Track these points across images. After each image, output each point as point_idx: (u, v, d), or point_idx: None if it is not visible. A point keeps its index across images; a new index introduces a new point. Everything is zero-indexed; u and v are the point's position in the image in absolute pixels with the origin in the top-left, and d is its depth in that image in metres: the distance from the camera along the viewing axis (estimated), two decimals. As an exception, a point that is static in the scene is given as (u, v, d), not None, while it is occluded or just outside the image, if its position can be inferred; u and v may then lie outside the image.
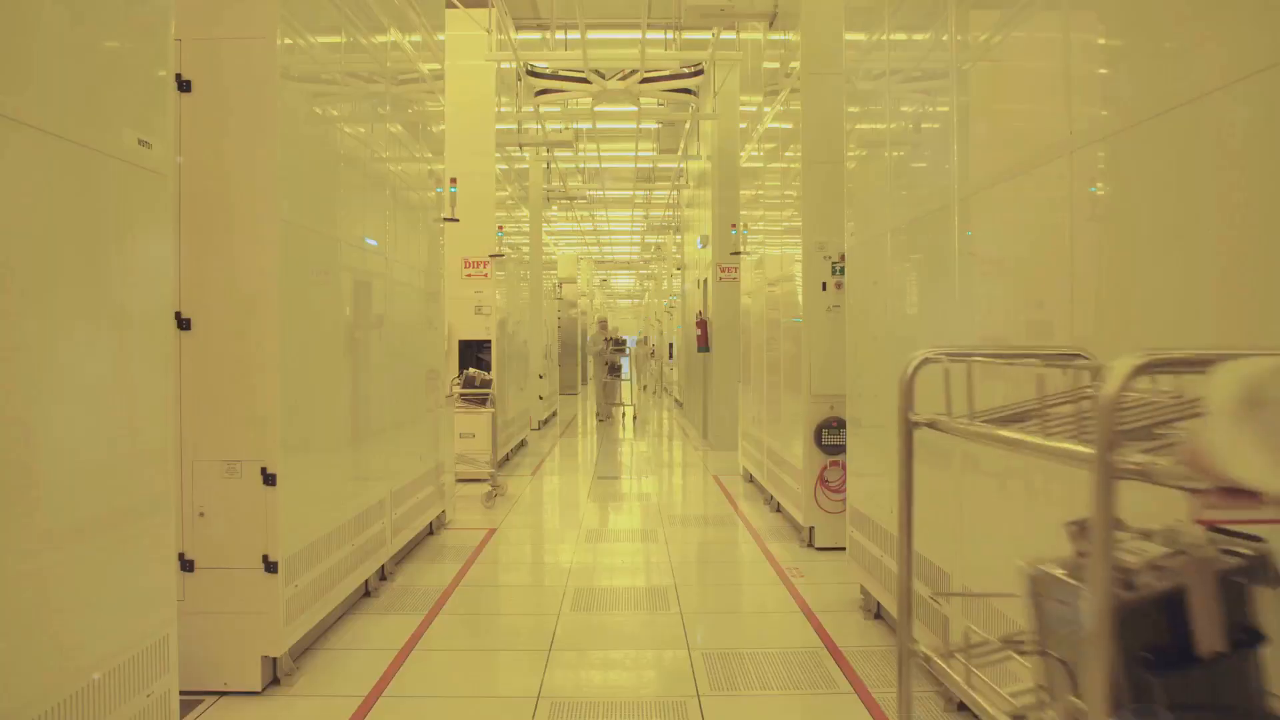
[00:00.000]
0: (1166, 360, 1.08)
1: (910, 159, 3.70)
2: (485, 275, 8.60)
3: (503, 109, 9.59)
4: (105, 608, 2.24)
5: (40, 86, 1.97)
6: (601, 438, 13.06)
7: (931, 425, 1.66)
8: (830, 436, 5.53)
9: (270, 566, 3.27)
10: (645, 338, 30.77)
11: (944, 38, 3.17)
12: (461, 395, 7.40)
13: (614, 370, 15.28)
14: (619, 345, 15.24)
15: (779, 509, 6.72)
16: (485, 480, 7.65)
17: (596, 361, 15.40)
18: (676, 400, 17.33)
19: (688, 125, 12.51)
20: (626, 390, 17.52)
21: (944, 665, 1.70)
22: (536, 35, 10.37)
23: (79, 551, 2.12)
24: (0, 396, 1.86)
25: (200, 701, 3.20)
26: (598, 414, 15.24)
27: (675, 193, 16.33)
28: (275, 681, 3.40)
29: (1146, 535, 1.25)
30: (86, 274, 2.18)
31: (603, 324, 16.18)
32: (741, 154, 8.46)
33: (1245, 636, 1.19)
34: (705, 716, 3.18)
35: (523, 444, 10.95)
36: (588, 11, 7.98)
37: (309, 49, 3.65)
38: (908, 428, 1.73)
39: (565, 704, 3.28)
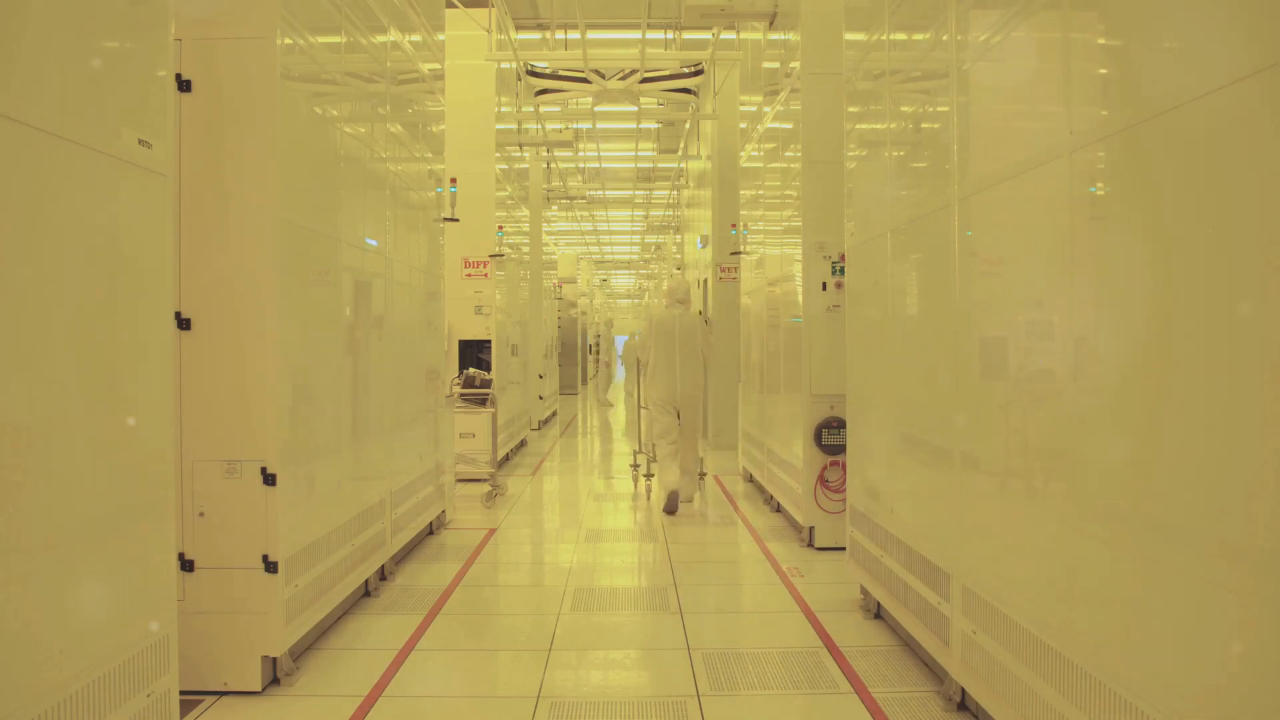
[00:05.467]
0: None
1: (910, 159, 3.70)
2: (485, 275, 8.59)
3: (503, 109, 9.59)
4: (105, 608, 2.23)
5: (39, 86, 1.97)
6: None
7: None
8: (830, 436, 5.53)
9: (270, 566, 3.27)
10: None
11: (944, 38, 3.17)
12: (461, 395, 7.40)
13: None
14: None
15: (779, 509, 6.72)
16: (485, 480, 7.65)
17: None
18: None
19: (688, 125, 12.51)
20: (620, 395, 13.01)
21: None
22: (536, 35, 10.37)
23: (79, 551, 2.12)
24: (0, 397, 1.86)
25: (200, 701, 3.20)
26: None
27: (675, 193, 16.33)
28: (275, 681, 3.40)
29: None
30: (86, 274, 2.17)
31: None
32: (741, 154, 8.46)
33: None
34: (705, 716, 3.18)
35: (523, 444, 10.95)
36: (588, 11, 7.98)
37: (309, 49, 3.65)
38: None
39: (565, 704, 3.28)
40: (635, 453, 8.18)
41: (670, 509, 6.81)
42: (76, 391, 2.13)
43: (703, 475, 7.37)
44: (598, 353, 26.16)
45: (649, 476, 7.55)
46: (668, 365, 6.93)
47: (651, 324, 7.10)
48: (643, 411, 7.70)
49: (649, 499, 7.22)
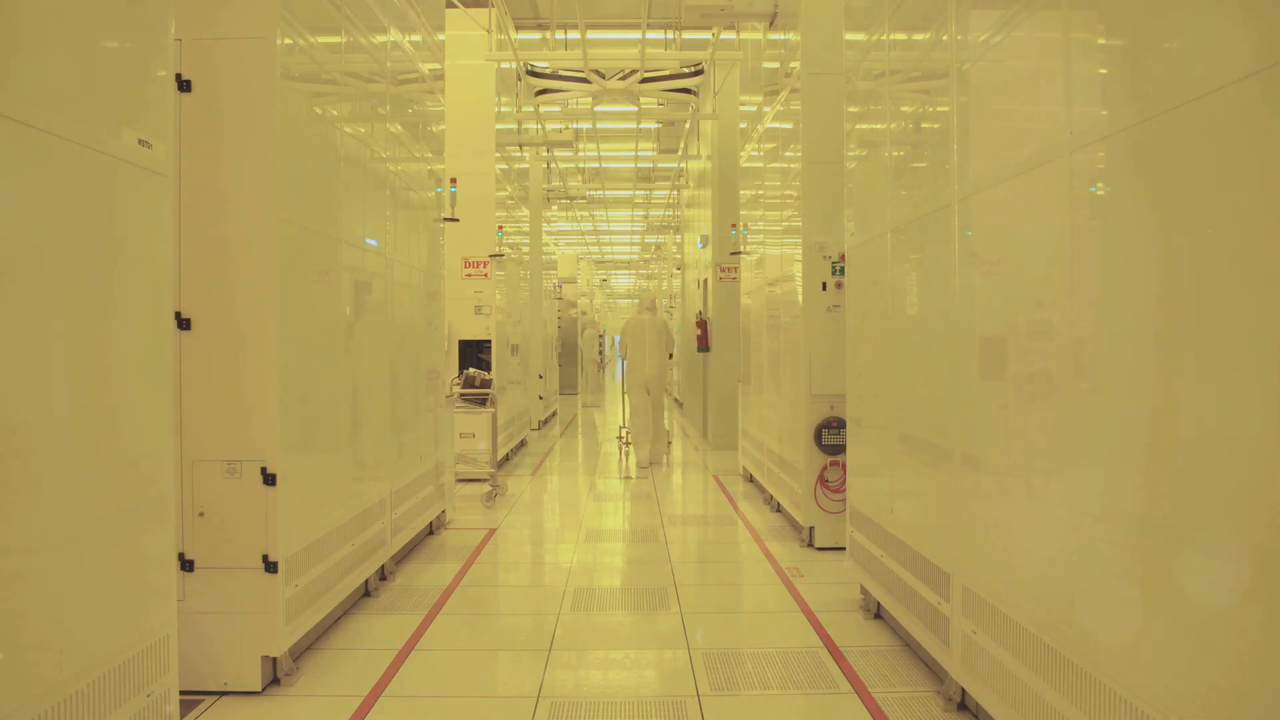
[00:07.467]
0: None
1: (910, 159, 3.70)
2: (485, 275, 8.59)
3: (503, 109, 9.59)
4: (105, 608, 2.23)
5: (39, 85, 1.97)
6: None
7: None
8: (830, 436, 5.53)
9: (270, 566, 3.27)
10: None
11: (944, 38, 3.17)
12: (461, 395, 7.39)
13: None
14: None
15: (779, 509, 6.72)
16: (485, 480, 7.65)
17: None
18: (676, 400, 17.35)
19: (688, 125, 12.51)
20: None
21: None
22: (536, 35, 10.37)
23: (79, 551, 2.12)
24: (0, 397, 1.86)
25: (200, 701, 3.21)
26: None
27: (675, 193, 16.33)
28: (275, 681, 3.40)
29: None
30: (86, 274, 2.17)
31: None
32: (741, 154, 8.46)
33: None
34: (705, 716, 3.18)
35: (523, 444, 10.94)
36: (588, 11, 7.98)
37: (309, 49, 3.65)
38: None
39: (565, 704, 3.28)
40: (621, 427, 10.56)
41: (643, 464, 9.67)
42: (76, 391, 2.13)
43: (669, 443, 10.15)
44: (602, 352, 26.04)
45: (628, 444, 10.09)
46: (639, 355, 9.69)
47: (628, 327, 9.91)
48: (625, 396, 10.21)
49: (629, 462, 9.91)
